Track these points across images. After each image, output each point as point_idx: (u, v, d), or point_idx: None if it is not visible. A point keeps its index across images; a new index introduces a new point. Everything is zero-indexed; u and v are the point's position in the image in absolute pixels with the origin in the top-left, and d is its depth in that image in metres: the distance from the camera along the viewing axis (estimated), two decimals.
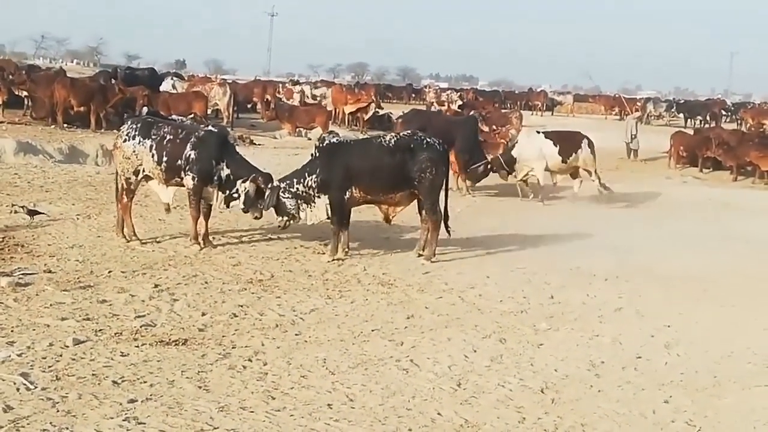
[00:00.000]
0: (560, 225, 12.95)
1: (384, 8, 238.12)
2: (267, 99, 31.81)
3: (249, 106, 33.88)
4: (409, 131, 10.95)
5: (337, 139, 10.23)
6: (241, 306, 7.79)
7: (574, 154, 15.93)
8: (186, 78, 36.04)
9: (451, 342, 7.11)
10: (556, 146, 15.89)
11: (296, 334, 7.08)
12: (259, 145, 23.13)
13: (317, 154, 10.00)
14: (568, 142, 16.13)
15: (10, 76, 24.11)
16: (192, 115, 21.88)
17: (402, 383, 6.12)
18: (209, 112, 25.65)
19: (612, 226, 13.12)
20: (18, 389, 5.52)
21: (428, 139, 10.11)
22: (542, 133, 16.67)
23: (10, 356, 6.08)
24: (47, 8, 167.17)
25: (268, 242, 10.64)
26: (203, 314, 7.48)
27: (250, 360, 6.37)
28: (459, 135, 16.43)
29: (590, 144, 16.18)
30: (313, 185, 9.90)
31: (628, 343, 7.39)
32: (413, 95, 56.93)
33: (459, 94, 45.18)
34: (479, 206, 14.44)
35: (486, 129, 25.41)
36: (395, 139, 10.22)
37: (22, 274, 8.31)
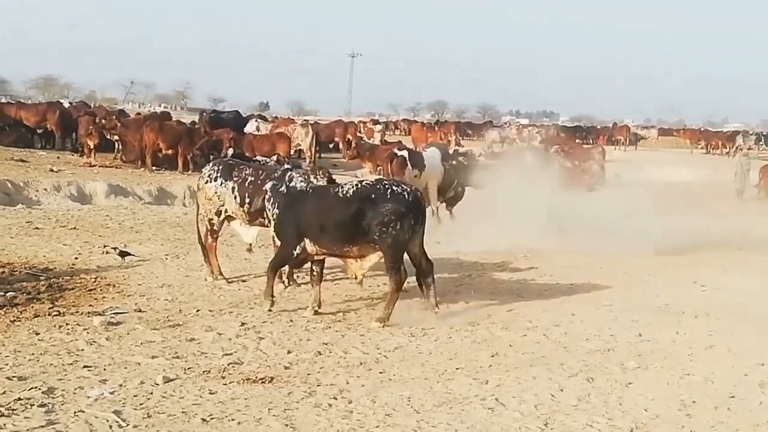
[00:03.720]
0: (644, 261, 12.70)
1: (463, 46, 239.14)
2: (348, 138, 32.18)
3: (331, 145, 34.36)
4: (374, 179, 9.54)
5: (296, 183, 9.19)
6: (326, 344, 7.85)
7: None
8: (270, 119, 36.75)
9: (536, 381, 7.01)
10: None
11: (380, 372, 7.09)
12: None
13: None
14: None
15: (102, 121, 24.95)
16: (276, 156, 22.29)
17: (488, 422, 6.06)
18: (293, 152, 26.08)
19: (698, 262, 12.82)
20: (111, 426, 5.66)
21: (394, 188, 8.83)
22: None
23: (103, 394, 6.23)
24: (136, 55, 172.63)
25: (351, 281, 10.69)
26: (289, 352, 7.56)
27: (335, 398, 6.40)
28: None
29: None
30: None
31: (721, 382, 7.17)
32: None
33: (538, 130, 44.86)
34: (560, 242, 14.23)
35: (569, 165, 25.19)
36: (354, 188, 8.90)
37: (114, 313, 8.55)
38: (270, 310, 8.93)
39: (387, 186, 8.83)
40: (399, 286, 8.80)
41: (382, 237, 8.63)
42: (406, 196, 8.77)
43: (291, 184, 9.15)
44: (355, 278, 9.23)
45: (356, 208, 8.64)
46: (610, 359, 7.73)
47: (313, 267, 9.13)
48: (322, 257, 9.10)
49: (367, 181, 9.18)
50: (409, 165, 15.89)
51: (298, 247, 8.89)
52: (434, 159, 16.37)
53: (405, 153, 16.17)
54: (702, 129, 56.30)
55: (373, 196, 8.69)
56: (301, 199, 9.01)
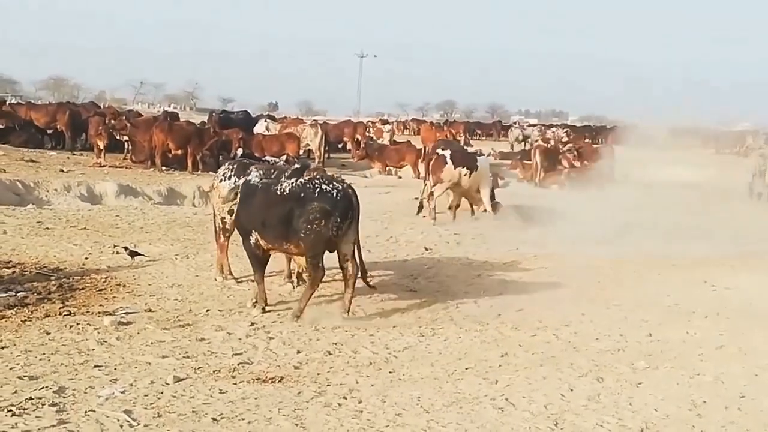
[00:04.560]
0: (655, 261, 12.67)
1: (472, 45, 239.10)
2: (357, 138, 32.24)
3: (340, 145, 34.41)
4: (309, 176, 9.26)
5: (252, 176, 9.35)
6: (335, 344, 7.86)
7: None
8: (279, 120, 36.78)
9: (546, 380, 7.00)
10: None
11: (390, 372, 7.10)
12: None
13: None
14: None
15: (112, 122, 25.02)
16: (285, 156, 22.32)
17: (497, 422, 6.06)
18: (302, 152, 26.11)
19: (709, 261, 12.77)
20: (121, 426, 5.68)
21: (324, 186, 8.83)
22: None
23: (113, 393, 6.26)
24: (145, 56, 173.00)
25: (359, 280, 10.70)
26: (298, 352, 7.57)
27: (345, 398, 6.41)
28: None
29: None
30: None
31: (731, 382, 7.15)
32: (502, 132, 56.76)
33: (566, 131, 44.58)
34: (568, 241, 14.21)
35: (578, 164, 25.17)
36: (290, 184, 8.92)
37: (124, 313, 8.58)
38: (264, 311, 9.02)
39: (317, 184, 8.85)
40: (315, 282, 8.86)
41: (306, 233, 8.70)
42: (335, 194, 8.81)
43: (248, 179, 9.33)
44: (303, 273, 9.38)
45: (288, 206, 8.77)
46: (620, 359, 7.71)
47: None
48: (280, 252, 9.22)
49: (304, 178, 9.04)
50: (450, 163, 16.07)
51: (252, 239, 9.09)
52: (486, 162, 17.15)
53: (447, 152, 16.25)
54: (712, 128, 56.01)
55: (302, 194, 8.78)
56: (252, 193, 9.19)
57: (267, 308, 9.13)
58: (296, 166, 10.58)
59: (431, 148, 16.75)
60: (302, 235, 8.71)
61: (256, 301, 9.20)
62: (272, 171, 10.28)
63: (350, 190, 9.06)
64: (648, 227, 15.08)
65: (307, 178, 9.00)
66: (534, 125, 53.83)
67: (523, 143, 40.06)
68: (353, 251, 9.09)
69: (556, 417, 6.20)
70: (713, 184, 22.66)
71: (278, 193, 8.89)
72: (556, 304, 9.79)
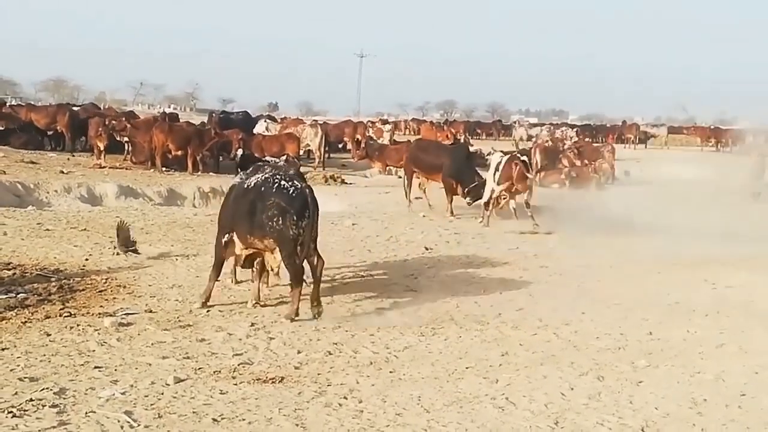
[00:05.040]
0: (656, 259, 12.67)
1: (471, 45, 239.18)
2: (357, 138, 32.25)
3: (340, 146, 34.42)
4: (273, 172, 9.18)
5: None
6: (336, 344, 7.85)
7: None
8: (279, 120, 36.80)
9: (547, 379, 7.01)
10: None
11: (390, 372, 7.10)
12: (350, 184, 23.43)
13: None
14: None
15: (112, 123, 25.03)
16: (285, 157, 22.34)
17: (498, 421, 6.06)
18: (302, 152, 26.12)
19: (709, 260, 12.78)
20: (122, 427, 5.68)
21: (282, 183, 8.78)
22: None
23: (114, 394, 6.25)
24: (145, 57, 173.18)
25: (360, 280, 10.72)
26: (299, 352, 7.57)
27: (345, 398, 6.41)
28: (448, 161, 17.28)
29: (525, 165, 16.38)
30: None
31: (732, 380, 7.15)
32: (502, 131, 56.79)
33: (575, 130, 44.56)
34: (569, 240, 14.22)
35: (578, 163, 25.19)
36: (254, 181, 8.95)
37: (125, 314, 8.57)
38: (206, 307, 8.99)
39: (277, 181, 8.83)
40: (297, 279, 8.77)
41: (270, 231, 8.72)
42: (291, 191, 8.74)
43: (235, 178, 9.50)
44: (272, 270, 9.36)
45: (250, 202, 8.82)
46: (621, 358, 7.71)
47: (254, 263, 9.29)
48: (249, 251, 9.15)
49: (267, 175, 9.01)
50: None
51: (226, 236, 9.13)
52: None
53: (525, 158, 16.35)
54: (712, 127, 56.05)
55: (263, 189, 8.80)
56: (230, 191, 9.44)
57: (258, 305, 9.17)
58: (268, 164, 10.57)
59: (507, 158, 16.85)
60: (267, 231, 8.74)
61: (255, 302, 9.21)
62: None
63: (307, 190, 8.94)
64: None
65: (269, 174, 9.02)
66: (534, 125, 53.84)
67: (528, 143, 39.97)
68: (309, 252, 8.95)
69: (557, 416, 6.20)
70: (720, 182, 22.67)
71: (244, 189, 9.00)
72: (556, 303, 9.80)
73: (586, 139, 42.16)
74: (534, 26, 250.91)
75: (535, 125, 53.20)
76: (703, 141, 50.69)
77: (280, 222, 8.62)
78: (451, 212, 17.01)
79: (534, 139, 38.58)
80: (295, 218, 8.64)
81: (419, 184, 18.52)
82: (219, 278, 9.39)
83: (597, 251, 13.40)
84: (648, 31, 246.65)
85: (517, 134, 43.39)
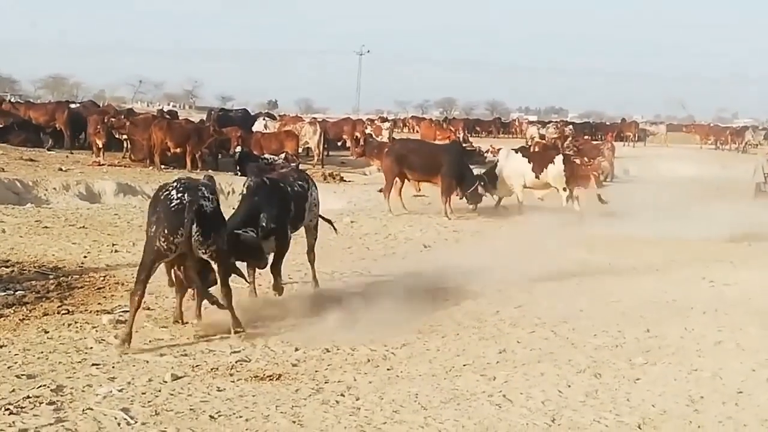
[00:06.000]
0: (653, 257, 12.68)
1: (471, 43, 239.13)
2: (356, 136, 32.22)
3: (339, 143, 34.38)
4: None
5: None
6: (333, 341, 7.85)
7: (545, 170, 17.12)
8: (278, 118, 36.77)
9: (544, 377, 7.01)
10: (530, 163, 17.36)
11: (388, 369, 7.10)
12: (349, 181, 23.41)
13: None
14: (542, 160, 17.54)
15: (111, 120, 25.01)
16: (284, 154, 22.33)
17: (495, 419, 6.07)
18: (300, 150, 26.10)
19: (707, 257, 12.79)
20: (119, 424, 5.68)
21: (170, 190, 7.73)
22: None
23: (111, 392, 6.26)
24: (144, 54, 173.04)
25: (359, 277, 10.72)
26: (296, 349, 7.56)
27: (342, 395, 6.41)
28: (443, 161, 17.21)
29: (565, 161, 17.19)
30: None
31: (729, 377, 7.16)
32: (502, 129, 56.76)
33: (569, 127, 44.61)
34: (565, 238, 14.21)
35: (578, 161, 25.16)
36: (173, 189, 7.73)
37: (123, 311, 8.55)
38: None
39: (169, 186, 7.83)
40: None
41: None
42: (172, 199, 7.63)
43: None
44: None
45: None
46: (618, 355, 7.72)
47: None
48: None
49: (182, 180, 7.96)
50: None
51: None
52: None
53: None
54: (711, 124, 56.12)
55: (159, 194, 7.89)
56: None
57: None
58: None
59: (561, 159, 17.27)
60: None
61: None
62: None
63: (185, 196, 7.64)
64: None
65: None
66: (533, 122, 53.81)
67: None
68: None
69: (554, 413, 6.21)
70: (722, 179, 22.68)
71: (167, 198, 7.76)
72: (554, 300, 9.80)
73: (585, 137, 42.16)
74: (534, 26, 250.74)
75: (533, 123, 53.15)
76: (703, 139, 50.68)
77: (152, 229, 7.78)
78: (449, 213, 16.87)
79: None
80: (165, 231, 7.64)
81: (417, 188, 18.49)
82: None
83: (596, 250, 13.42)
84: (648, 31, 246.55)
85: (529, 133, 43.36)
